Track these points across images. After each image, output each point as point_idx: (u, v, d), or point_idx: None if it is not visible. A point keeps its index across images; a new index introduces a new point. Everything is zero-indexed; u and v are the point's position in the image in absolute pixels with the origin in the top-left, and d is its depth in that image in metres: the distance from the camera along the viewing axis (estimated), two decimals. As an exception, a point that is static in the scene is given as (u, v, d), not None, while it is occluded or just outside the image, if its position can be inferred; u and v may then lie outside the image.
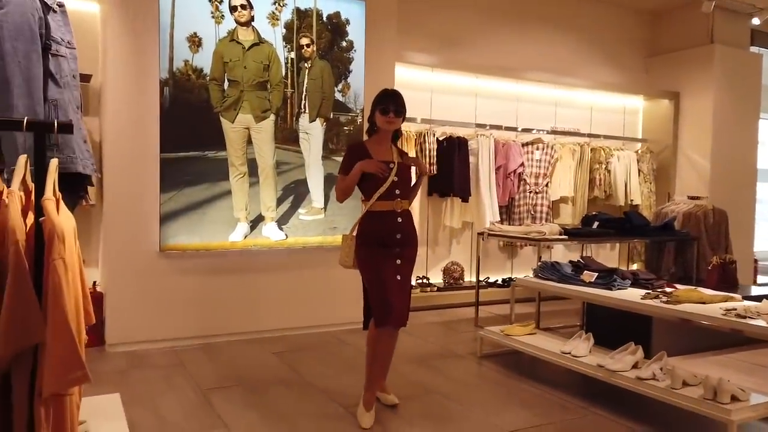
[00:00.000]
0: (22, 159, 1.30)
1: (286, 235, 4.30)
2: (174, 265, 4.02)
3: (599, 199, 6.57)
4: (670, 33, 7.14)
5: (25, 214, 1.33)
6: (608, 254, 7.04)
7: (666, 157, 6.99)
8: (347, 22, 4.49)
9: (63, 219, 1.42)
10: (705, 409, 2.63)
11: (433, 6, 5.79)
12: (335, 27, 4.45)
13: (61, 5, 2.07)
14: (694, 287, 3.70)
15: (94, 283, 4.07)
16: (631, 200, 6.67)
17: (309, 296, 4.44)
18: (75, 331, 1.18)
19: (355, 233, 2.92)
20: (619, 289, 3.64)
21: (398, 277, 2.85)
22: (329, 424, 2.81)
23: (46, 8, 1.96)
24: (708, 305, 3.19)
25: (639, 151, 6.90)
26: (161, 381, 3.34)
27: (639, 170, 6.80)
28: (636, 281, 3.81)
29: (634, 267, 6.98)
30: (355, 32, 4.53)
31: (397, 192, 2.86)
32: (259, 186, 4.21)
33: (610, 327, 4.01)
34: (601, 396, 3.24)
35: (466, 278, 5.83)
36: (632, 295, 3.48)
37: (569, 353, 3.39)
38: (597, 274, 3.76)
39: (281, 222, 4.29)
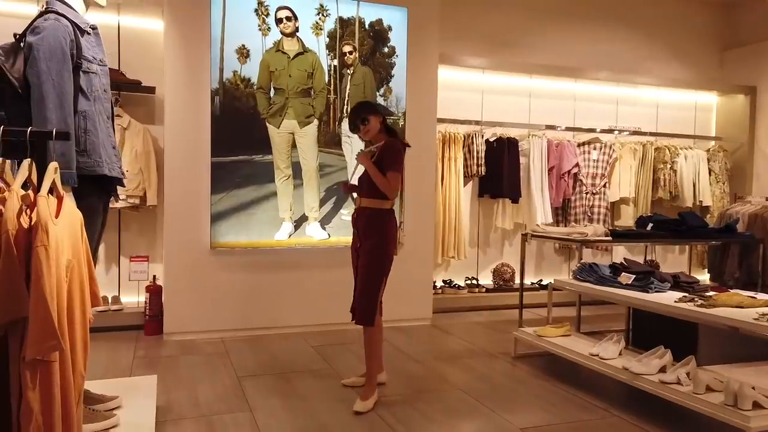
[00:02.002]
0: (26, 163, 1.54)
1: (328, 234, 4.50)
2: (223, 261, 4.33)
3: (665, 201, 6.31)
4: (746, 24, 6.72)
5: (32, 209, 1.57)
6: (677, 258, 6.73)
7: (741, 156, 6.59)
8: (389, 28, 4.63)
9: (66, 213, 1.66)
10: (724, 415, 2.53)
11: (484, 8, 5.80)
12: (377, 34, 4.61)
13: (94, 28, 2.34)
14: (739, 292, 3.54)
15: (154, 277, 4.46)
16: (700, 201, 6.35)
17: (350, 293, 4.60)
18: (56, 308, 1.40)
19: None
20: (656, 291, 3.54)
21: (357, 274, 3.18)
22: (345, 412, 2.95)
23: (80, 31, 2.24)
24: (744, 310, 3.06)
25: (710, 150, 6.54)
26: (204, 367, 3.63)
27: (710, 170, 6.46)
28: (676, 284, 3.69)
29: (706, 275, 6.64)
30: (397, 38, 4.66)
31: (359, 189, 3.21)
32: (303, 188, 4.44)
33: (655, 332, 3.89)
34: (627, 399, 3.18)
35: (517, 280, 5.78)
36: (667, 298, 3.38)
37: (597, 355, 3.34)
38: (634, 276, 3.67)
39: (324, 222, 4.49)
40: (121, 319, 4.42)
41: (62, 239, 1.59)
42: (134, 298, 4.65)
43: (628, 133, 6.21)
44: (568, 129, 5.97)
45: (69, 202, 1.69)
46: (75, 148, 2.15)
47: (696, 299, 3.26)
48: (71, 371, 1.61)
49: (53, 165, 1.55)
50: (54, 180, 1.57)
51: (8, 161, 1.62)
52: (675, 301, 3.27)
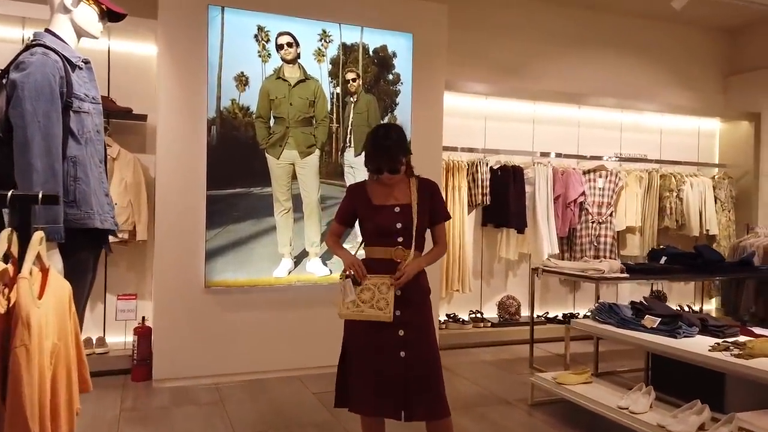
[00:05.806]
0: (5, 233, 1.29)
1: (330, 270, 4.25)
2: (219, 301, 4.05)
3: (671, 230, 6.14)
4: (749, 50, 6.64)
5: (11, 288, 1.32)
6: (682, 289, 6.56)
7: (746, 184, 6.46)
8: (394, 54, 4.43)
9: (51, 288, 1.40)
10: (778, 487, 2.31)
11: (487, 34, 5.65)
12: (381, 60, 4.40)
13: (86, 62, 2.10)
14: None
15: (143, 318, 4.16)
16: (707, 230, 6.19)
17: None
18: (37, 408, 1.15)
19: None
20: (685, 337, 3.33)
21: (402, 354, 2.35)
22: (359, 479, 2.69)
23: (71, 66, 1.99)
24: (785, 362, 2.85)
25: (716, 177, 6.42)
26: (199, 421, 3.34)
27: (716, 198, 6.32)
28: (705, 328, 3.48)
29: (712, 304, 6.48)
30: (402, 65, 4.46)
31: (400, 239, 2.37)
32: (303, 221, 4.19)
33: (678, 374, 3.68)
34: (661, 459, 2.94)
35: (523, 313, 5.56)
36: (699, 345, 3.16)
37: (627, 409, 3.11)
38: (660, 319, 3.46)
39: (325, 257, 4.24)
40: (106, 362, 4.10)
41: (46, 322, 1.34)
42: (121, 338, 4.34)
43: (612, 159, 6.07)
44: (567, 156, 5.81)
45: (55, 273, 1.43)
46: (63, 198, 1.89)
47: (730, 347, 3.05)
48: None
49: (38, 235, 1.30)
50: (39, 252, 1.31)
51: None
52: (708, 349, 3.06)
